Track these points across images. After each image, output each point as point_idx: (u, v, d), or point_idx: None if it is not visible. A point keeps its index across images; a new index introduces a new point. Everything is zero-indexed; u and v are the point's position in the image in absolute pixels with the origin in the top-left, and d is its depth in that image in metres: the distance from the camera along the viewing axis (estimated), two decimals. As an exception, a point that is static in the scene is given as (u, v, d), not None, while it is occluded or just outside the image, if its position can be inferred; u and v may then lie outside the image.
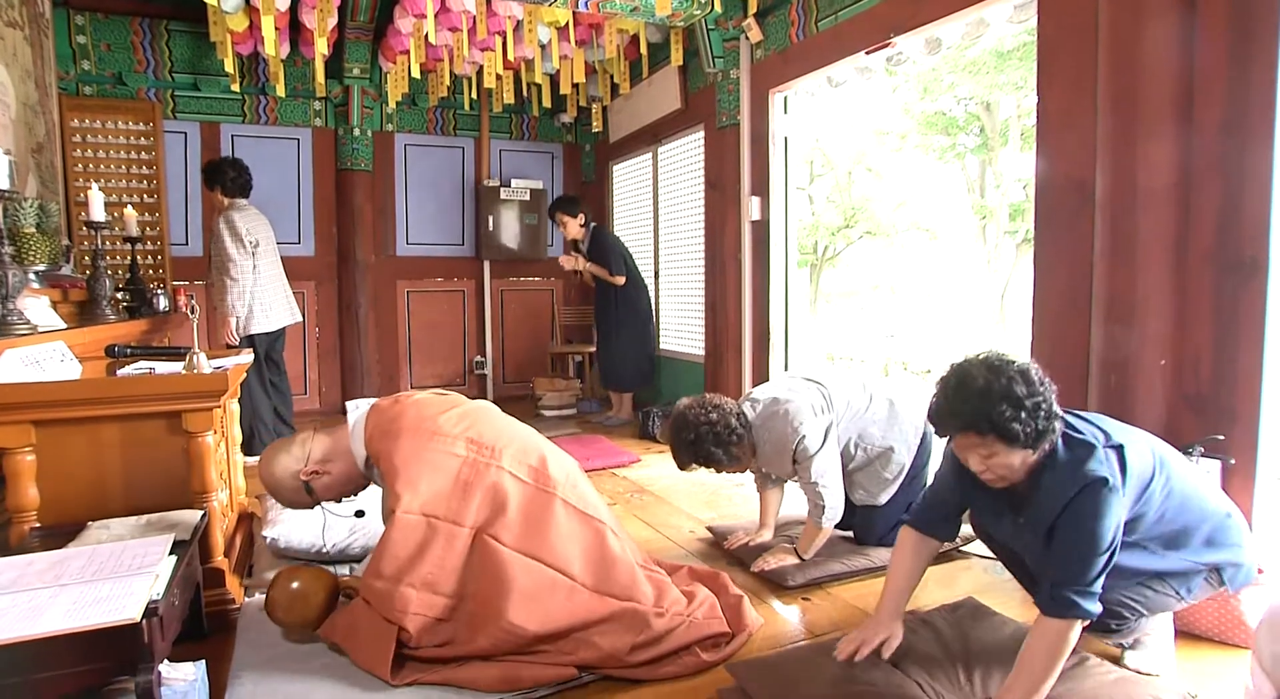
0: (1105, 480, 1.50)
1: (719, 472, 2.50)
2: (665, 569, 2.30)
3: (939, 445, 2.63)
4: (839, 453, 2.46)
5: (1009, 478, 1.58)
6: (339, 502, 2.12)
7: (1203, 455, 2.11)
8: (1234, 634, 1.95)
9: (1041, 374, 1.55)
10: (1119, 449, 1.58)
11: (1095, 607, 1.48)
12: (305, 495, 2.05)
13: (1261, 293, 2.06)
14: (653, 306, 5.40)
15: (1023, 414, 1.47)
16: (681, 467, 2.51)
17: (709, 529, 2.93)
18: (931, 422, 1.62)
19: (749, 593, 2.34)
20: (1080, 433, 1.60)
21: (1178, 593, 1.71)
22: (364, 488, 2.13)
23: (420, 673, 1.76)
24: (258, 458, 3.95)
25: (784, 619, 2.20)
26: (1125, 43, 2.26)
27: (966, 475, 1.68)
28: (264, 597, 1.96)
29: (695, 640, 1.92)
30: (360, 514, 2.24)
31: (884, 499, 2.54)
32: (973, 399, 1.50)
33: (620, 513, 3.19)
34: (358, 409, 2.09)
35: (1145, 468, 1.62)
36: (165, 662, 1.57)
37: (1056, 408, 1.53)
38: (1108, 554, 1.49)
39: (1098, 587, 1.49)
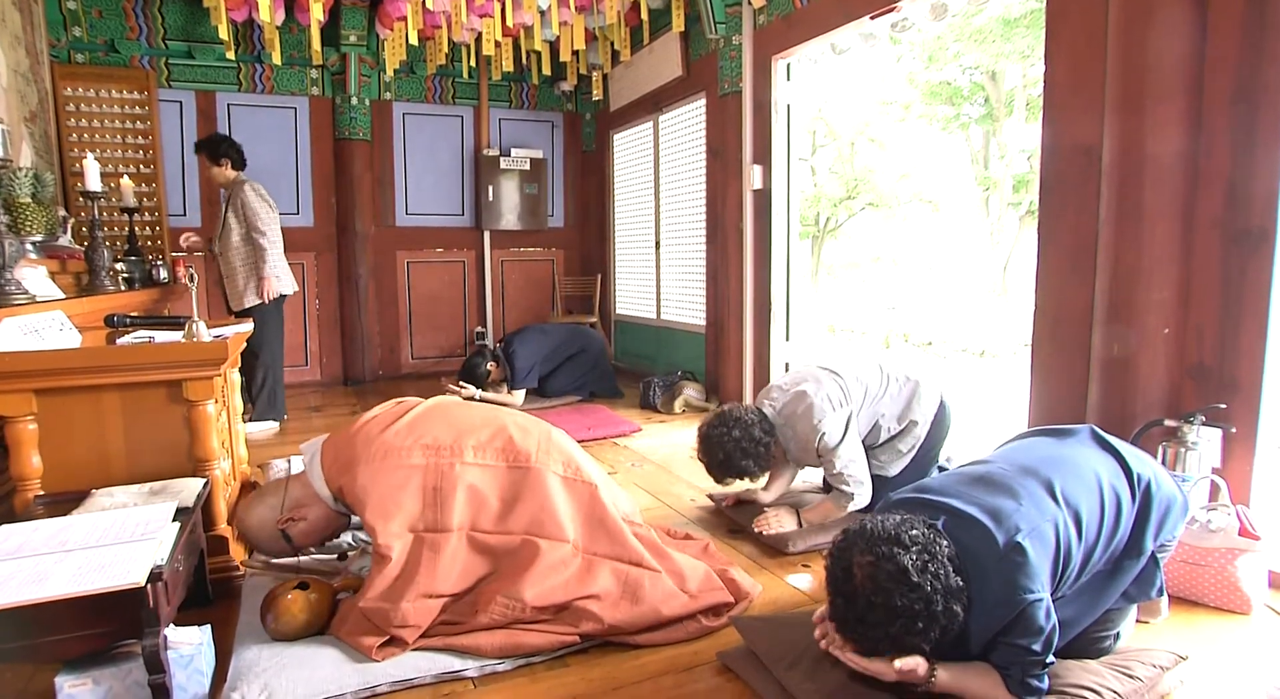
0: (1029, 602, 1.39)
1: (751, 477, 2.52)
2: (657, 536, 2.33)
3: (955, 416, 2.67)
4: (860, 440, 2.49)
5: None
6: (321, 546, 2.09)
7: (1204, 424, 2.11)
8: (1230, 600, 1.97)
9: (928, 546, 1.39)
10: (1017, 548, 1.42)
11: (1046, 685, 1.46)
12: (284, 543, 2.05)
13: (1268, 262, 2.05)
14: (605, 346, 5.30)
15: (918, 624, 1.37)
16: (720, 483, 2.57)
17: (709, 497, 2.94)
18: (841, 635, 1.49)
19: (749, 560, 2.37)
20: (982, 537, 1.44)
21: (1145, 594, 1.68)
22: (345, 528, 2.13)
23: (421, 640, 1.78)
24: (264, 428, 4.07)
25: (784, 585, 2.21)
26: (1137, 8, 2.22)
27: None
28: (260, 616, 1.85)
29: (697, 610, 1.94)
30: (342, 558, 2.23)
31: (895, 471, 2.56)
32: (866, 619, 1.40)
33: (621, 482, 3.21)
34: (310, 449, 2.07)
35: (1058, 526, 1.49)
36: (171, 626, 1.58)
37: (952, 579, 1.38)
38: (1049, 640, 1.42)
39: (1046, 672, 1.46)
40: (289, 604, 1.80)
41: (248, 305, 4.05)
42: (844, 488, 2.41)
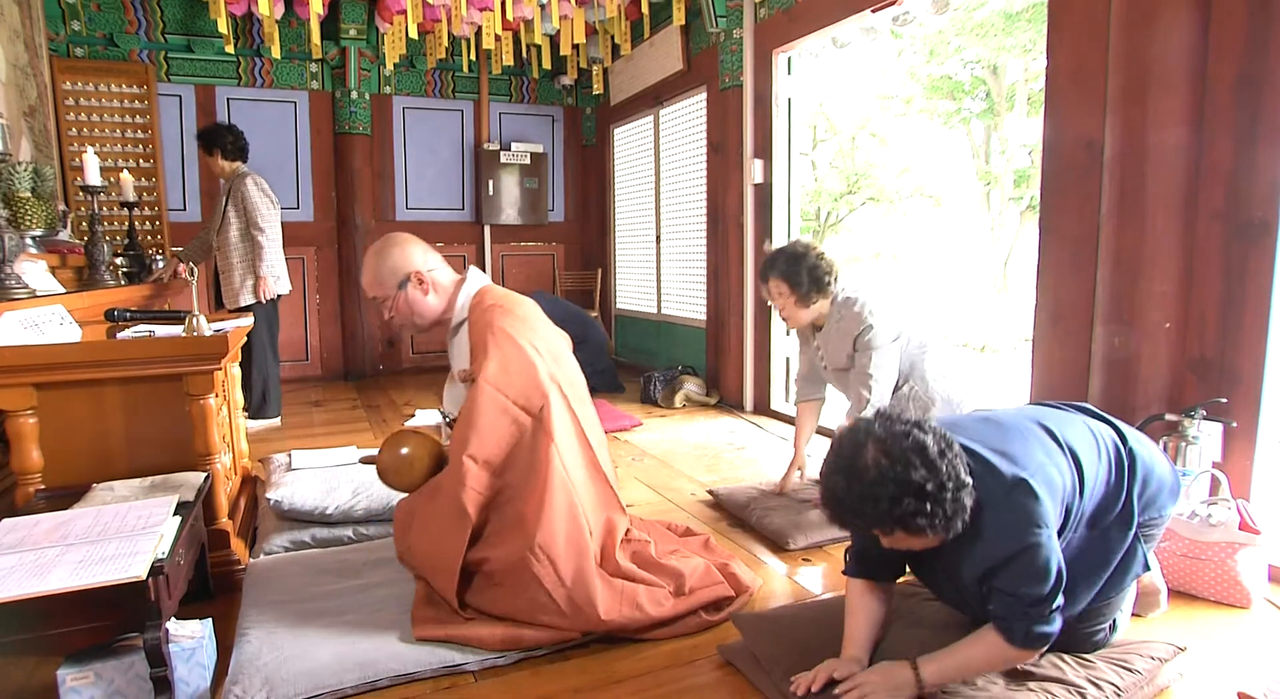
0: (1037, 539, 1.36)
1: (790, 289, 2.55)
2: (656, 531, 2.34)
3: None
4: (896, 366, 2.54)
5: (919, 549, 1.45)
6: (391, 321, 2.07)
7: (1204, 418, 2.11)
8: (1230, 595, 1.97)
9: (940, 437, 1.35)
10: (1025, 485, 1.40)
11: (1057, 627, 1.42)
12: (390, 290, 2.00)
13: (1270, 255, 2.04)
14: (606, 340, 5.38)
15: (928, 505, 1.30)
16: (766, 271, 2.61)
17: (710, 492, 2.94)
18: (827, 514, 1.44)
19: (749, 556, 2.37)
20: (986, 473, 1.42)
21: (1133, 572, 1.63)
22: (421, 330, 2.11)
23: (433, 630, 1.79)
24: (264, 422, 4.07)
25: (784, 580, 2.22)
26: (1139, 1, 2.21)
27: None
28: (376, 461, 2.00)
29: (697, 606, 1.94)
30: (391, 344, 2.23)
31: None
32: (868, 493, 1.32)
33: (622, 476, 3.21)
34: (478, 276, 2.12)
35: (1062, 472, 1.48)
36: (172, 620, 1.59)
37: (964, 474, 1.35)
38: (1058, 588, 1.39)
39: (1058, 612, 1.42)
40: (403, 458, 1.93)
41: (243, 304, 3.97)
42: (864, 391, 2.46)
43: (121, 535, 1.53)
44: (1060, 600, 1.41)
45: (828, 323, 2.59)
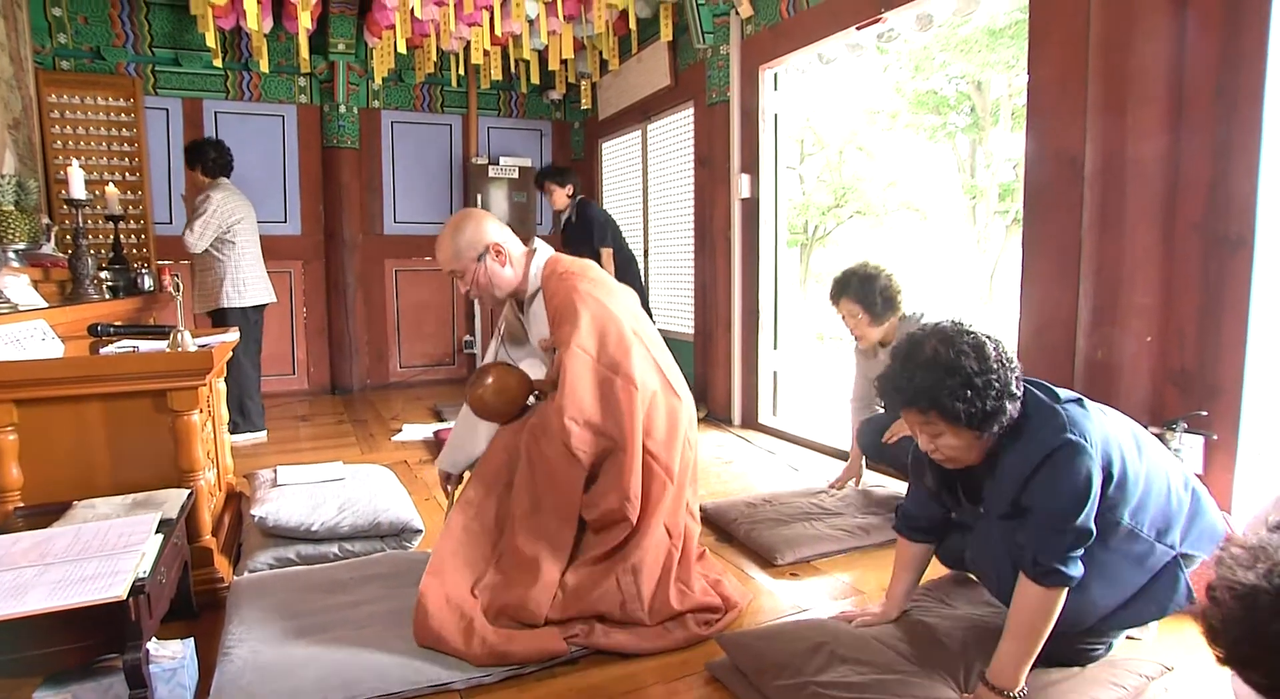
0: (1073, 442, 1.40)
1: (864, 310, 2.68)
2: None
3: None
4: None
5: (959, 460, 1.52)
6: (471, 297, 2.09)
7: (1185, 431, 2.13)
8: (1214, 606, 1.98)
9: (1003, 351, 1.45)
10: (1078, 401, 1.50)
11: (1079, 570, 1.42)
12: (469, 262, 2.03)
13: (1246, 268, 2.07)
14: (643, 280, 5.33)
15: (968, 392, 1.39)
16: (839, 293, 2.72)
17: (701, 507, 2.93)
18: (880, 393, 1.56)
19: (737, 569, 2.37)
20: (1038, 396, 1.50)
21: (1161, 607, 1.60)
22: (497, 302, 2.16)
23: (435, 629, 1.77)
24: (250, 437, 4.04)
25: (773, 595, 2.21)
26: (1118, 18, 2.25)
27: (926, 470, 1.68)
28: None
29: (688, 611, 1.94)
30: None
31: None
32: (918, 372, 1.43)
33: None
34: (545, 247, 2.17)
35: (1115, 426, 1.53)
36: (153, 640, 1.57)
37: (1014, 388, 1.43)
38: (1084, 517, 1.40)
39: (1079, 553, 1.42)
40: (489, 387, 1.97)
41: (196, 310, 4.16)
42: None
43: (102, 554, 1.51)
44: (1080, 540, 1.42)
45: (897, 337, 2.65)
